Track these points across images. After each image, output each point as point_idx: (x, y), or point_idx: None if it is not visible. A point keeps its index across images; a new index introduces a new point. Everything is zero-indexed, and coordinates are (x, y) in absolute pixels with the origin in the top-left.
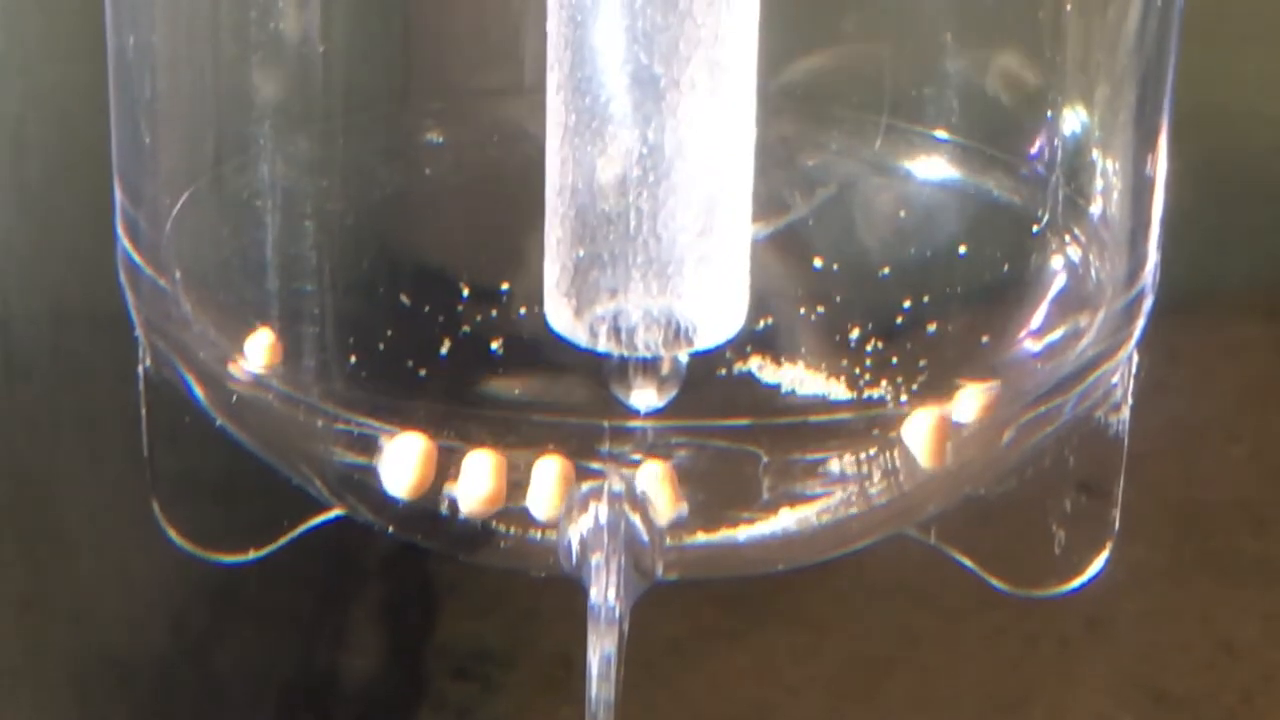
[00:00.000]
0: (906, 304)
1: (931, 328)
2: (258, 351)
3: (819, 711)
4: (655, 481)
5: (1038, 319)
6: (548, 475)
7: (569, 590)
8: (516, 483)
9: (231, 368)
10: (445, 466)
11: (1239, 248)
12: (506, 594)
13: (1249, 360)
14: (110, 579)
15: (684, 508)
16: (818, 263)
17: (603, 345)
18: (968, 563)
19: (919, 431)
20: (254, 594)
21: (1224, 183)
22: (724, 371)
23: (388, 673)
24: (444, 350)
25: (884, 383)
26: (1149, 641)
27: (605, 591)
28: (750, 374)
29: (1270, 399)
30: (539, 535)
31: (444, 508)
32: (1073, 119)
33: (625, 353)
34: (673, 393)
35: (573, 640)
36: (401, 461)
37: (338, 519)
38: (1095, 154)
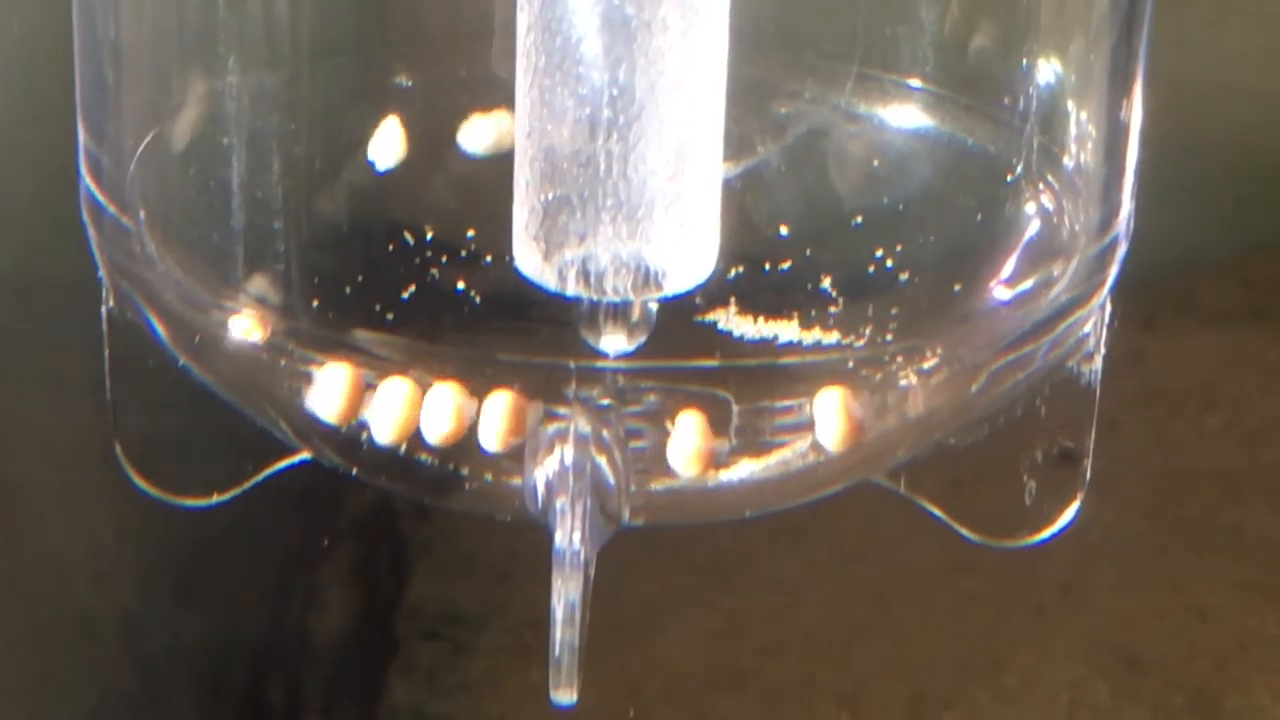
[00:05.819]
0: (878, 252)
1: (904, 276)
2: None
3: (792, 675)
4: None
5: (1010, 267)
6: (499, 408)
7: (541, 553)
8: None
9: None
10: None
11: (1217, 219)
12: (478, 557)
13: (1226, 330)
14: (75, 531)
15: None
16: (789, 211)
17: (571, 289)
18: (937, 512)
19: (827, 411)
20: (223, 550)
21: (1202, 156)
22: (693, 317)
23: (358, 633)
24: (410, 293)
25: (855, 330)
26: (1123, 608)
27: (570, 535)
28: (719, 320)
29: (1246, 369)
30: (504, 479)
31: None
32: (1047, 68)
33: (594, 297)
34: (642, 338)
35: (544, 603)
36: (328, 390)
37: (303, 463)
38: (1070, 103)
